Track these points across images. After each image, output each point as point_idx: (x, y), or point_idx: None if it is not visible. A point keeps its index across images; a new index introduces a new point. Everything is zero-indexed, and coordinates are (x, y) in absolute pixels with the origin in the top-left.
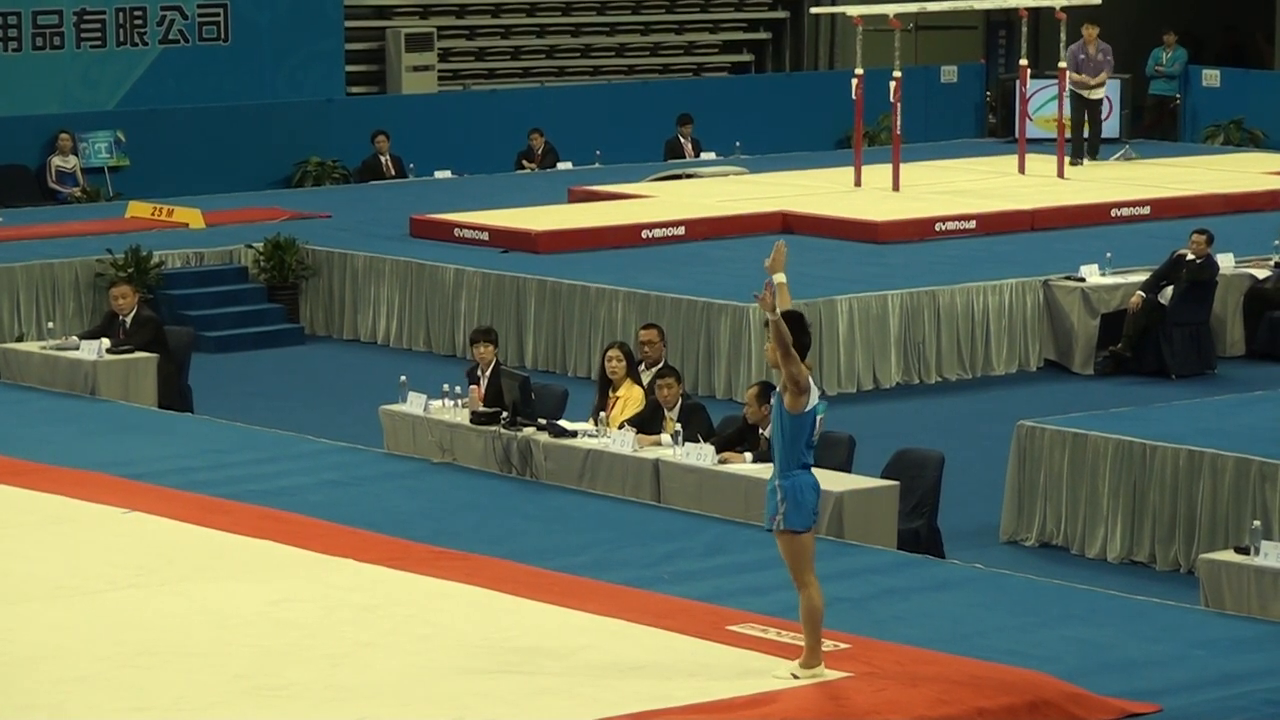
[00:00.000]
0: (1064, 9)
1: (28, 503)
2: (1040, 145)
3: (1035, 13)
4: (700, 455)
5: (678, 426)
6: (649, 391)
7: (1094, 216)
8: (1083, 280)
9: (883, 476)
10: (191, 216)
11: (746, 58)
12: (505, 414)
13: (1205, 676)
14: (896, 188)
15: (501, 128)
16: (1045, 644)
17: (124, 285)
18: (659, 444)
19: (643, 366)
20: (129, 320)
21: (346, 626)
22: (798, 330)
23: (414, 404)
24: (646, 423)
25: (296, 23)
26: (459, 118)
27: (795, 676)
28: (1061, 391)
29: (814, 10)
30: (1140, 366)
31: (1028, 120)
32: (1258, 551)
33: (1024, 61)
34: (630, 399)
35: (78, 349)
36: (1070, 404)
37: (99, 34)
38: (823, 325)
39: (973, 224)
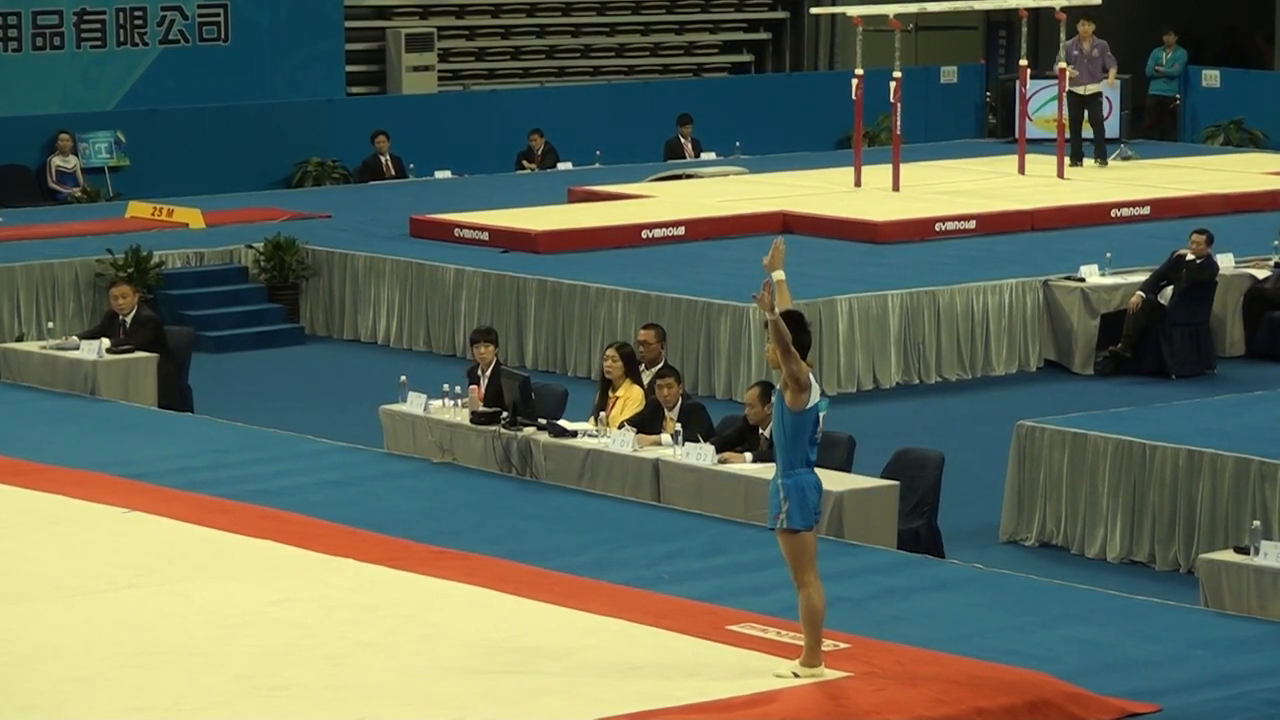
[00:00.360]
0: (1064, 9)
1: (28, 503)
2: (1040, 145)
3: (1035, 13)
4: (700, 455)
5: (678, 426)
6: (649, 391)
7: (1094, 217)
8: (1083, 280)
9: (883, 476)
10: (191, 216)
11: (746, 58)
12: (505, 414)
13: (1205, 676)
14: (896, 188)
15: (501, 128)
16: (1045, 644)
17: (124, 285)
18: (659, 444)
19: (642, 366)
20: (129, 320)
21: (346, 626)
22: (797, 329)
23: (414, 404)
24: (646, 423)
25: (296, 23)
26: (459, 118)
27: (795, 676)
28: (1061, 391)
29: (814, 10)
30: (1140, 366)
31: (1028, 120)
32: (1257, 551)
33: (1024, 62)
34: (630, 399)
35: (78, 349)
36: (1070, 404)
37: (99, 34)
38: (823, 325)
39: (973, 224)
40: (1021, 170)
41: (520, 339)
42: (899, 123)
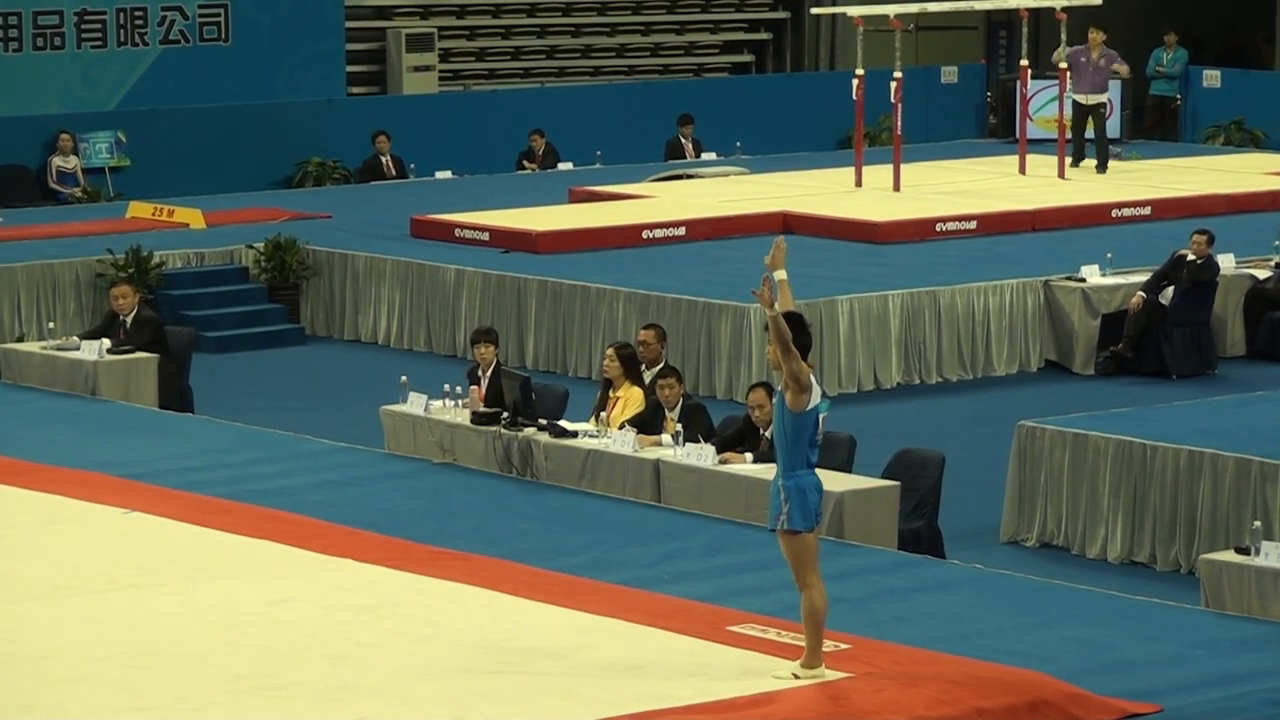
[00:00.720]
0: (1064, 9)
1: (28, 503)
2: (1041, 146)
3: (1036, 13)
4: (701, 455)
5: (678, 427)
6: (649, 392)
7: (1095, 217)
8: (1083, 280)
9: (883, 477)
10: (192, 217)
11: (747, 58)
12: (506, 414)
13: (1205, 677)
14: (897, 188)
15: (502, 128)
16: (1045, 644)
17: (124, 285)
18: (659, 444)
19: (643, 367)
20: (129, 320)
21: (346, 626)
22: (798, 330)
23: (414, 404)
24: (647, 423)
25: (297, 23)
26: (460, 118)
27: (796, 677)
28: (1062, 392)
29: (814, 11)
30: (1141, 367)
31: (1028, 121)
32: (1258, 552)
33: (1024, 62)
34: (630, 399)
35: (78, 349)
36: (1071, 404)
37: (99, 34)
38: (823, 325)
39: (973, 224)
40: (1022, 170)
41: (521, 339)
42: (899, 123)
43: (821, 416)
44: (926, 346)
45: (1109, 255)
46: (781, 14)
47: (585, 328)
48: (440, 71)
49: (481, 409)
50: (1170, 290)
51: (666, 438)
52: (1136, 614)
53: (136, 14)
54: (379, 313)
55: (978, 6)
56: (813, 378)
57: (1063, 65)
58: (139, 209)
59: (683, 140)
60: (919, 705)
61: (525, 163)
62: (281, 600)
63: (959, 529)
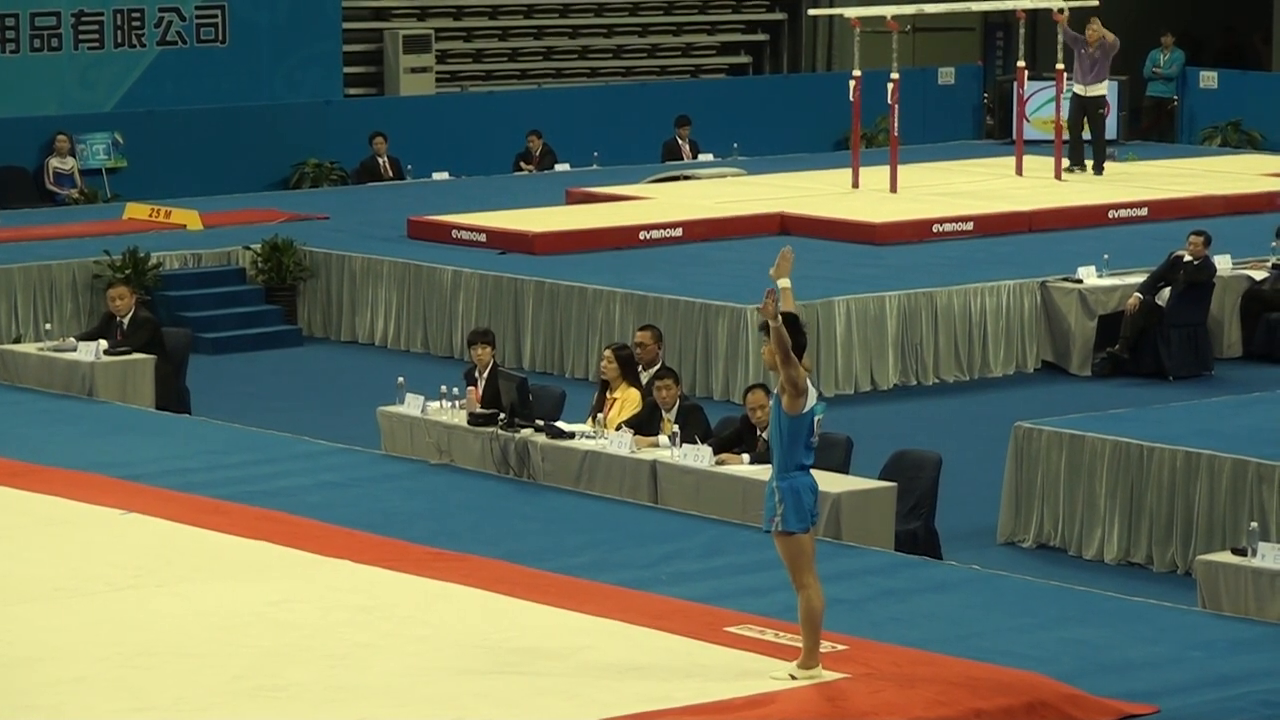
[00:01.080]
0: (1062, 10)
1: (26, 504)
2: (1038, 147)
3: (1033, 14)
4: (698, 456)
5: (675, 428)
6: (646, 393)
7: (1091, 218)
8: (1080, 282)
9: (880, 478)
10: (189, 218)
11: (744, 59)
12: (503, 415)
13: (1202, 678)
14: (894, 189)
15: (499, 129)
16: (1042, 645)
17: (121, 286)
18: (656, 445)
19: (640, 368)
20: (127, 321)
21: (345, 627)
22: (793, 331)
23: (412, 405)
24: (644, 424)
25: (294, 24)
26: (457, 119)
27: (793, 677)
28: (1059, 393)
29: (812, 12)
30: (1138, 368)
31: (1025, 122)
32: (1255, 553)
33: (1022, 63)
34: (627, 400)
35: (75, 350)
36: (1068, 405)
37: (97, 35)
38: (820, 326)
39: (970, 225)
40: (1019, 171)
41: (518, 340)
42: (897, 124)
43: (817, 419)
44: (923, 347)
45: (1106, 256)
46: (778, 15)
47: (582, 329)
48: (437, 73)
49: (479, 410)
50: (1167, 291)
51: (663, 439)
52: (1133, 615)
53: (134, 15)
54: (376, 314)
55: (975, 8)
56: (809, 381)
57: (1060, 67)
58: (136, 210)
59: (680, 141)
60: (916, 706)
61: (522, 164)
62: (280, 601)
63: (956, 530)
